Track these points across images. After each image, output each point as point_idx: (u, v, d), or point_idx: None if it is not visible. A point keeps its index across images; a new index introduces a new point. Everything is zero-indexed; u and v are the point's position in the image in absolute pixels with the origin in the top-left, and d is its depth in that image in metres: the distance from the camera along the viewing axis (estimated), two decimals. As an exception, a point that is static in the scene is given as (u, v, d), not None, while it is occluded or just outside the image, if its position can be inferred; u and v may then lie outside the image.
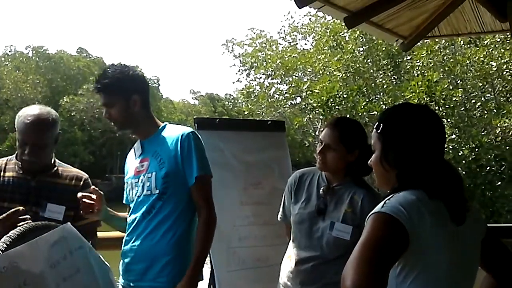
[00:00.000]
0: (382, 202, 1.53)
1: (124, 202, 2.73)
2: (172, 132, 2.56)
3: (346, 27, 5.76)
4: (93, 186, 2.63)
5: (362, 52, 14.54)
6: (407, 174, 1.63)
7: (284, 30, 20.51)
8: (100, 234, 2.95)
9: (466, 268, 1.64)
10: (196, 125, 3.27)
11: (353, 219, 2.54)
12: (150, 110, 2.65)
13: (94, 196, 2.54)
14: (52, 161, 2.72)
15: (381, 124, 1.71)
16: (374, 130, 1.75)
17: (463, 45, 12.81)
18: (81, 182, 2.73)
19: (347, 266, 1.37)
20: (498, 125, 11.36)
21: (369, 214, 1.52)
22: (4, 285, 1.73)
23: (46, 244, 1.92)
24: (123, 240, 2.62)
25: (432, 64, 12.96)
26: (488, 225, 1.75)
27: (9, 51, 50.05)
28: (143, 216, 2.51)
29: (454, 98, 11.74)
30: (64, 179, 2.70)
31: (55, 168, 2.71)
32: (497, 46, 12.12)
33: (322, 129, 2.70)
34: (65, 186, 2.68)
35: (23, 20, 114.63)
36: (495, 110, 12.28)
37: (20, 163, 2.63)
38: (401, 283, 1.51)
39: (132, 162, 2.68)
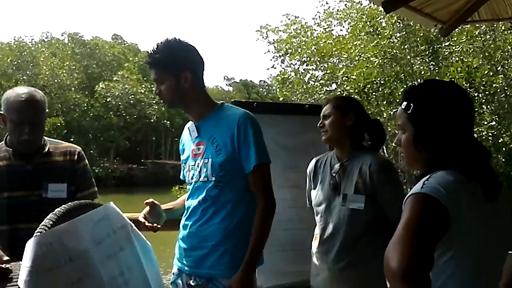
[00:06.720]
0: (421, 183, 1.51)
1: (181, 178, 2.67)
2: (229, 115, 2.45)
3: (383, 12, 5.65)
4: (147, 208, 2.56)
5: (399, 38, 14.29)
6: (443, 155, 1.60)
7: (319, 16, 20.21)
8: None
9: (501, 242, 1.65)
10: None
11: (365, 188, 2.63)
12: (203, 89, 2.53)
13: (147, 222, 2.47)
14: (43, 141, 2.68)
15: (411, 104, 1.66)
16: (402, 110, 1.69)
17: (504, 31, 12.45)
18: (75, 156, 2.72)
19: (389, 248, 1.36)
20: (540, 112, 11.07)
21: (408, 195, 1.50)
22: (51, 260, 1.77)
23: (91, 221, 1.95)
24: (181, 224, 2.57)
25: (472, 50, 12.65)
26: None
27: (46, 38, 51.13)
28: (199, 204, 2.45)
29: (494, 85, 11.44)
30: (58, 156, 2.68)
31: (47, 148, 2.68)
32: (539, 31, 11.78)
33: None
34: (61, 163, 2.67)
35: (59, 6, 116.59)
36: (536, 97, 11.97)
37: (11, 149, 2.59)
38: (436, 261, 1.46)
39: (188, 143, 2.58)
